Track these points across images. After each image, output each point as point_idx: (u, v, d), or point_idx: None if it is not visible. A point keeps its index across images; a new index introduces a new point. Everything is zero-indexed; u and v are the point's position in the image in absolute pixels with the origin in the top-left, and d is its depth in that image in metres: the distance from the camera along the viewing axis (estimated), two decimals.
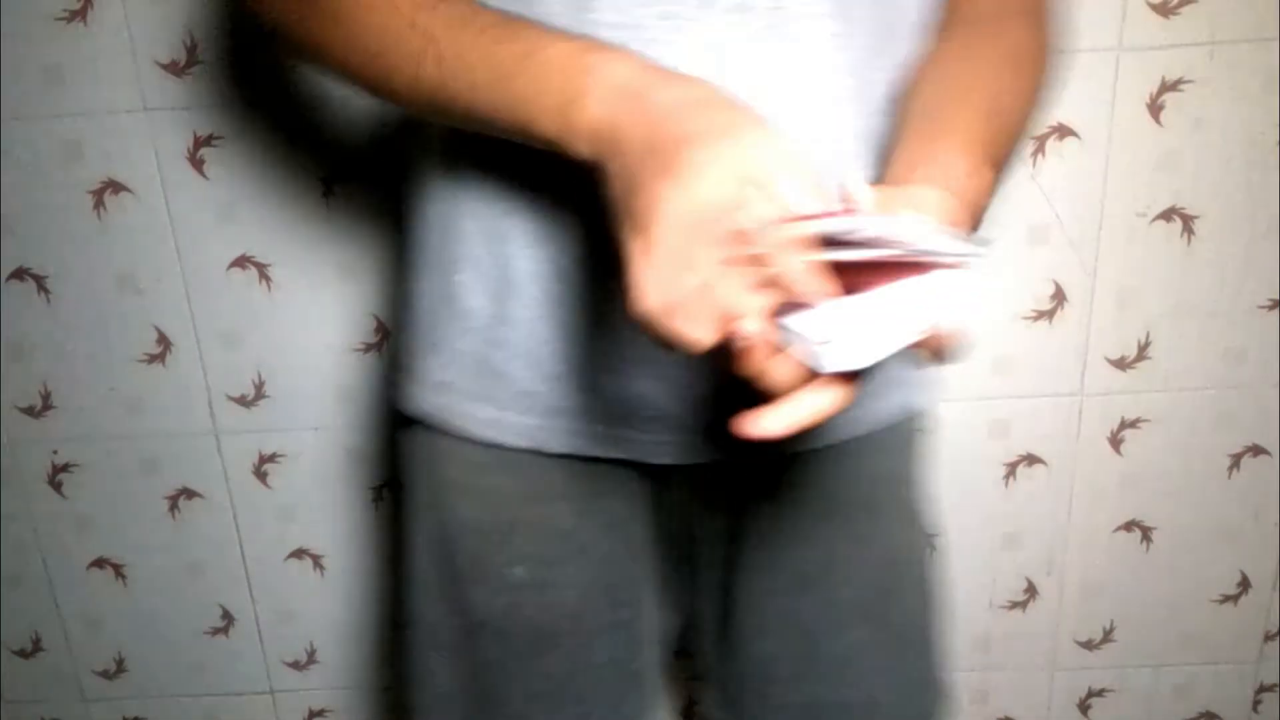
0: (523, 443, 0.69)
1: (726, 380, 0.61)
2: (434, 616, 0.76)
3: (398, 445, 0.75)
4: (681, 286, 0.46)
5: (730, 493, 0.71)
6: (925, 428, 0.77)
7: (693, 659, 0.81)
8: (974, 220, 0.55)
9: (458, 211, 0.66)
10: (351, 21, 0.58)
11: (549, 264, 0.63)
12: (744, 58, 0.57)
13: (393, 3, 0.56)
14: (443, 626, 0.76)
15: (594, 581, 0.73)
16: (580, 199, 0.61)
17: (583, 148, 0.51)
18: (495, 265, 0.65)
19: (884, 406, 0.71)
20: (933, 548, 0.79)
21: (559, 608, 0.73)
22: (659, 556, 0.76)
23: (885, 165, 0.56)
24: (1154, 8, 1.00)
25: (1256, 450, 1.18)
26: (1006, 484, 1.21)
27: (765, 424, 0.48)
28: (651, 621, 0.77)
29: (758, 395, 0.58)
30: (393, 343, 0.71)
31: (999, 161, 0.57)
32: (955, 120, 0.57)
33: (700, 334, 0.47)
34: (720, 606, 0.76)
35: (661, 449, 0.68)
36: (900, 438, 0.74)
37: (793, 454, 0.69)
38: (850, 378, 0.48)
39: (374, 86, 0.60)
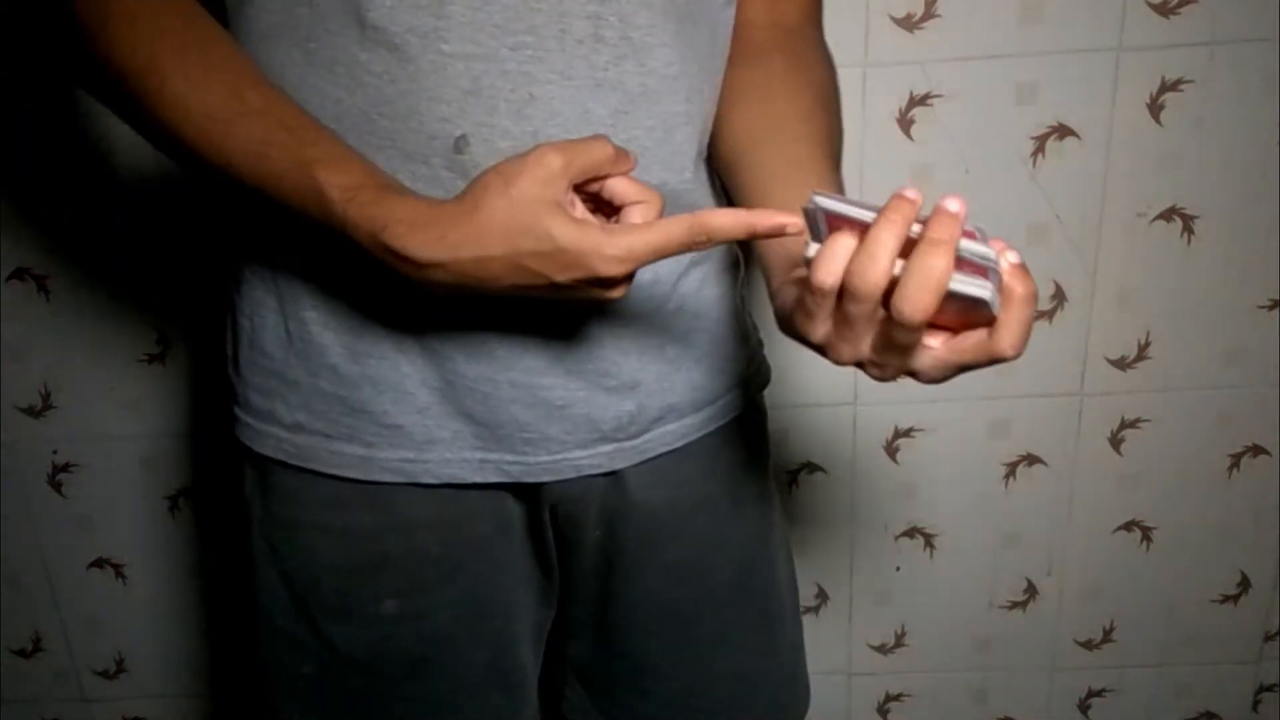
0: (395, 479, 0.67)
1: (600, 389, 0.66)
2: (290, 664, 0.74)
3: (240, 485, 0.74)
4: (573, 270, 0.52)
5: (602, 503, 0.72)
6: (765, 414, 0.81)
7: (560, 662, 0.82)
8: None
9: (304, 247, 0.64)
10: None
11: (410, 295, 0.60)
12: (598, 84, 0.59)
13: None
14: (301, 675, 0.74)
15: (466, 600, 0.72)
16: None
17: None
18: (349, 299, 0.64)
19: (728, 401, 0.74)
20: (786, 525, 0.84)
21: (433, 633, 0.72)
22: (530, 565, 0.76)
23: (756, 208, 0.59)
24: (1154, 8, 1.00)
25: (1256, 450, 1.18)
26: (1006, 484, 1.21)
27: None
28: (525, 622, 0.77)
29: (619, 412, 0.67)
30: (235, 379, 0.68)
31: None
32: (821, 169, 0.61)
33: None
34: (596, 610, 0.77)
35: (537, 469, 0.68)
36: (747, 426, 0.77)
37: (657, 457, 0.71)
38: None
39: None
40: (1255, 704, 1.32)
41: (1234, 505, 1.21)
